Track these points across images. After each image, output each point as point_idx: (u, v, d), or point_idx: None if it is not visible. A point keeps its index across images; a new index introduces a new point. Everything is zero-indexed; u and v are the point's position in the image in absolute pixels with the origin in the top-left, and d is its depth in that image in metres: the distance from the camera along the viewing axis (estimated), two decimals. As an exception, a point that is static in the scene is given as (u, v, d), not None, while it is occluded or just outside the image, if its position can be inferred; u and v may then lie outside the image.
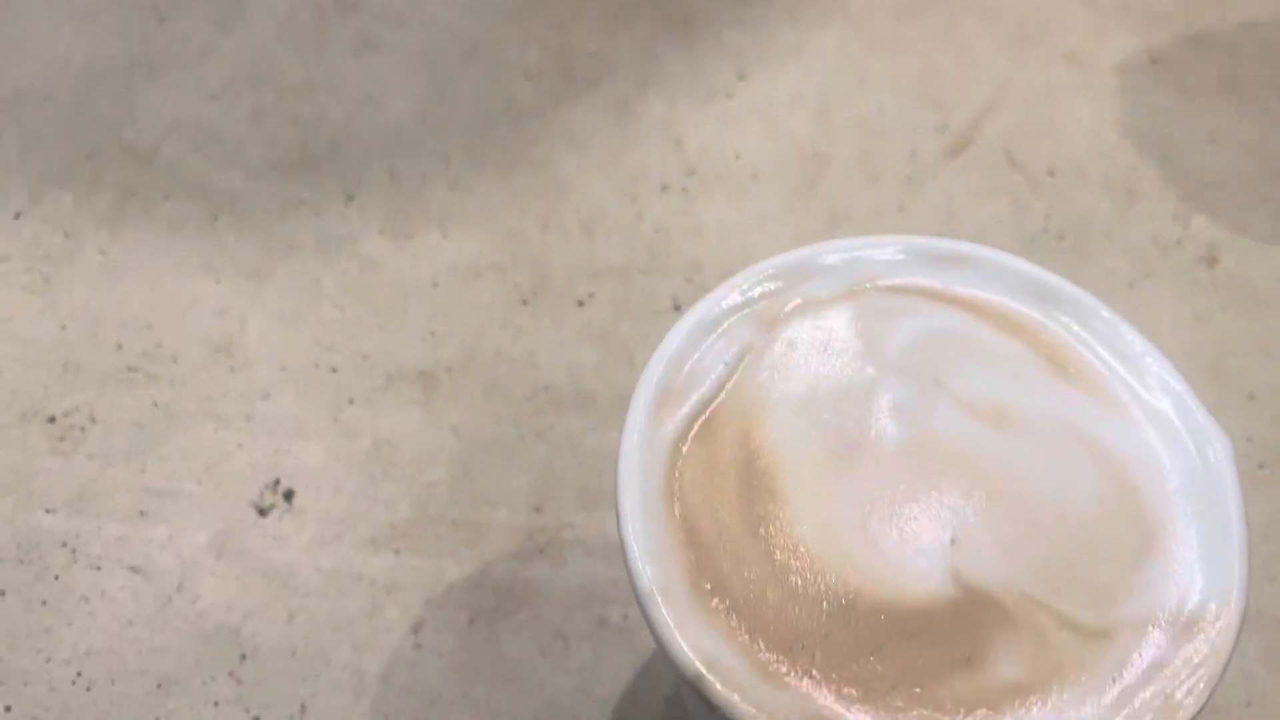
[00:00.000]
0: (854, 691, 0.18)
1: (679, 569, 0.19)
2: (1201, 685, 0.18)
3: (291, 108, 0.41)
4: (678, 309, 0.36)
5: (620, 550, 0.19)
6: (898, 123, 0.40)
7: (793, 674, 0.18)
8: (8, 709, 0.30)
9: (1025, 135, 0.40)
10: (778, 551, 0.19)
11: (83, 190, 0.39)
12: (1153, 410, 0.20)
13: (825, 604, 0.18)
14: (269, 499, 0.33)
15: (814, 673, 0.18)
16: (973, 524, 0.19)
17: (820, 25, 0.43)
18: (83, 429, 0.34)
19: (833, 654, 0.18)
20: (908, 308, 0.21)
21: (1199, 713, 0.17)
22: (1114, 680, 0.18)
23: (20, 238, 0.38)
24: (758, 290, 0.21)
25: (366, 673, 0.30)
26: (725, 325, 0.21)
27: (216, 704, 0.30)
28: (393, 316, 0.36)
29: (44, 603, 0.31)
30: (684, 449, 0.20)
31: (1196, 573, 0.19)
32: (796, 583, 0.18)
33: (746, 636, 0.18)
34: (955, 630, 0.18)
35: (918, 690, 0.18)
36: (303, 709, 0.30)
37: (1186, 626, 0.18)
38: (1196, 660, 0.18)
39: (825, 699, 0.17)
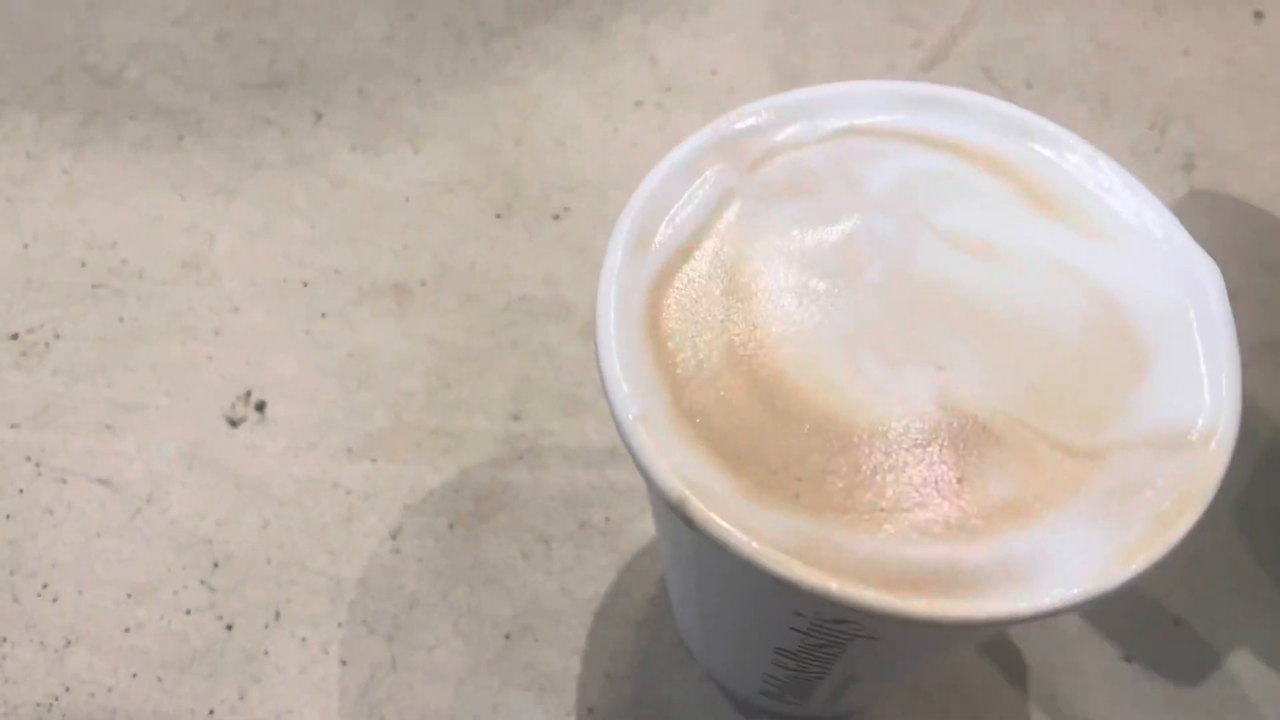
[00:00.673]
0: (841, 513, 0.17)
1: (660, 398, 0.18)
2: (1193, 500, 0.17)
3: (258, 29, 0.40)
4: (655, 220, 0.35)
5: (601, 383, 0.18)
6: (873, 38, 0.40)
7: (777, 496, 0.17)
8: (-28, 623, 0.29)
9: (1000, 49, 0.40)
10: (759, 380, 0.18)
11: (45, 112, 0.38)
12: (1138, 238, 0.20)
13: (808, 429, 0.18)
14: (241, 410, 0.32)
15: (798, 495, 0.17)
16: (959, 352, 0.18)
17: (794, -55, 0.43)
18: (46, 345, 0.33)
19: (817, 477, 0.17)
20: (889, 148, 0.21)
21: (1192, 528, 0.17)
22: (1105, 497, 0.17)
23: (-20, 159, 0.37)
24: (736, 132, 0.21)
25: (344, 578, 0.29)
26: (704, 168, 0.21)
27: (188, 612, 0.29)
28: (364, 231, 0.35)
29: (7, 517, 0.30)
30: (663, 285, 0.19)
31: (1187, 392, 0.18)
32: (779, 409, 0.18)
33: (729, 461, 0.17)
34: (943, 452, 0.17)
35: (907, 511, 0.17)
36: (277, 615, 0.29)
37: (1178, 444, 0.18)
38: (1188, 475, 0.17)
39: (810, 520, 0.17)
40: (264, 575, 0.29)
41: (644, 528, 0.30)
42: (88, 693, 0.28)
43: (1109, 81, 0.39)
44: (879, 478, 0.17)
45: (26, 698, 0.28)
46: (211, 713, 0.28)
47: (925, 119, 0.21)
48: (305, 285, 0.34)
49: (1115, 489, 0.17)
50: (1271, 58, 0.40)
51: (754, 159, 0.21)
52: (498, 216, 0.36)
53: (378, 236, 0.35)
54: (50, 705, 0.28)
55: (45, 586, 0.29)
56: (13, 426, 0.32)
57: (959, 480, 0.17)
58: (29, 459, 0.31)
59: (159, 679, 0.28)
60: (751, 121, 0.21)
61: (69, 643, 0.28)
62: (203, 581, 0.29)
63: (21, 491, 0.31)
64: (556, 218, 0.36)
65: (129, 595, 0.29)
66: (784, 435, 0.18)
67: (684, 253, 0.20)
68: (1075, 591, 0.16)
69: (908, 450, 0.18)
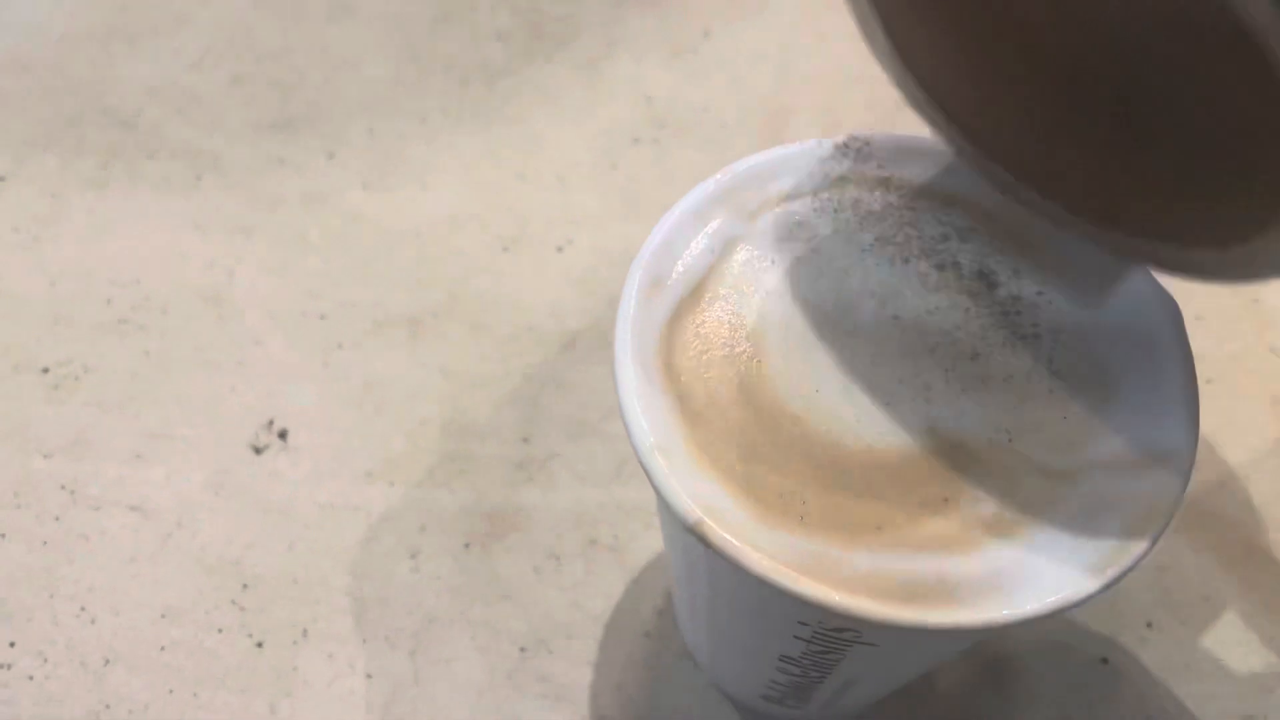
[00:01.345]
0: (841, 533, 0.19)
1: (675, 429, 0.20)
2: (1157, 515, 0.19)
3: (270, 72, 0.42)
4: (653, 252, 0.37)
5: (621, 416, 0.20)
6: (856, 76, 0.42)
7: (783, 518, 0.19)
8: (12, 644, 0.30)
9: (977, 84, 0.42)
10: (764, 412, 0.20)
11: (67, 154, 0.39)
12: (1103, 276, 0.22)
13: (810, 457, 0.20)
14: (264, 438, 0.34)
15: (803, 517, 0.19)
16: (945, 385, 0.20)
17: (779, -14, 0.45)
18: (76, 378, 0.35)
19: (820, 501, 0.19)
20: (878, 197, 0.23)
21: (1157, 540, 0.19)
22: (1078, 513, 0.19)
23: (6, 200, 0.38)
24: (738, 184, 0.23)
25: (366, 597, 0.31)
26: (711, 216, 0.23)
27: (220, 630, 0.31)
28: (377, 266, 0.37)
29: (44, 543, 0.32)
30: (675, 324, 0.21)
31: (1151, 418, 0.20)
32: (783, 438, 0.20)
33: (740, 487, 0.19)
34: (932, 476, 0.19)
35: (900, 529, 0.19)
36: (305, 633, 0.31)
37: (1143, 465, 0.20)
38: (1152, 493, 0.19)
39: (814, 539, 0.19)
40: (291, 595, 0.31)
41: (649, 544, 0.32)
42: (126, 709, 0.29)
43: (1079, 114, 0.41)
44: (874, 500, 0.19)
45: (69, 715, 0.29)
46: (245, 726, 0.29)
47: (912, 168, 0.23)
48: (322, 318, 0.36)
49: (1087, 507, 0.19)
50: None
51: (753, 209, 0.23)
52: (504, 250, 0.38)
53: (390, 270, 0.37)
54: (91, 722, 0.29)
55: (83, 609, 0.31)
56: (46, 456, 0.33)
57: (945, 500, 0.19)
58: (63, 487, 0.33)
59: (194, 695, 0.30)
60: (751, 174, 0.23)
61: (107, 662, 0.30)
62: (233, 602, 0.31)
63: (57, 519, 0.32)
64: (560, 250, 0.38)
65: (163, 616, 0.31)
66: (788, 462, 0.20)
67: (694, 295, 0.22)
68: (1050, 601, 0.18)
69: (900, 474, 0.19)
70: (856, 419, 0.20)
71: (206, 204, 0.38)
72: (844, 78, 0.42)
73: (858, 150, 0.24)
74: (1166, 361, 0.21)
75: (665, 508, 0.20)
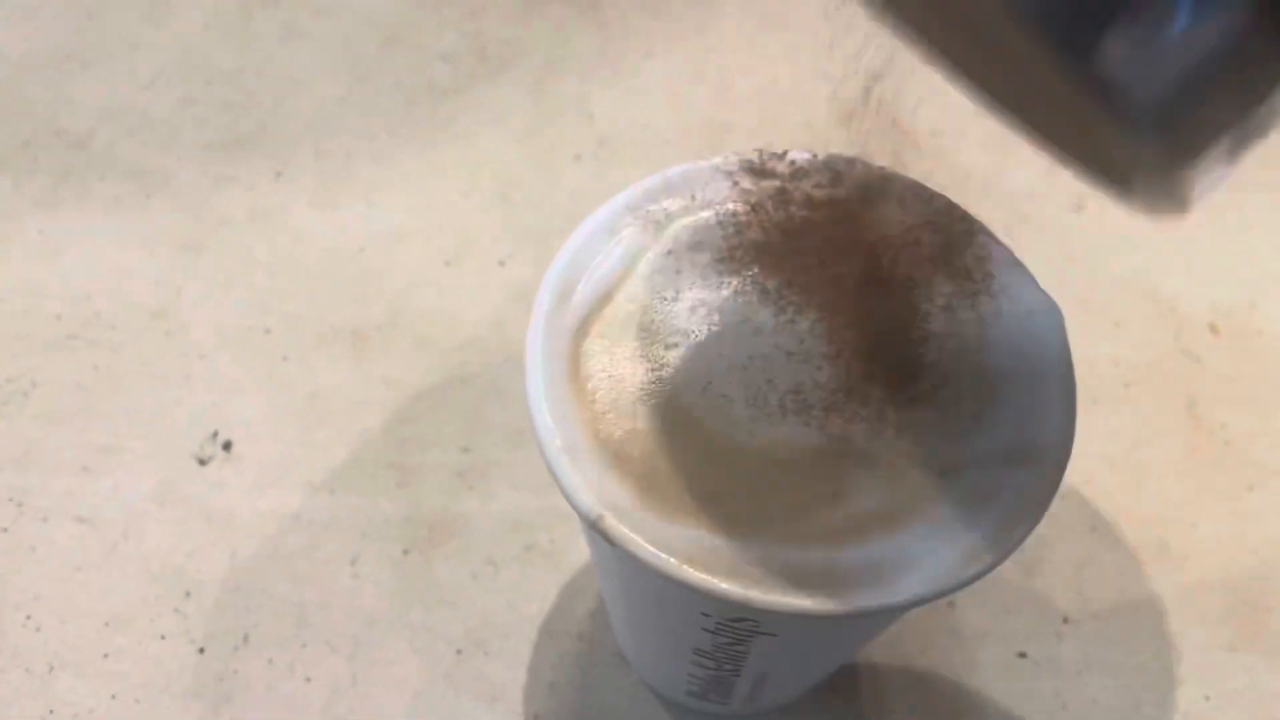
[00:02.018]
0: (736, 526, 0.20)
1: (581, 431, 0.21)
2: (1033, 508, 0.20)
3: (220, 94, 0.43)
4: (593, 266, 0.38)
5: (529, 420, 0.21)
6: (792, 93, 0.44)
7: (681, 513, 0.20)
8: (-41, 654, 0.31)
9: (910, 101, 0.43)
10: (665, 413, 0.21)
11: (19, 175, 0.40)
12: (992, 280, 0.23)
13: (707, 455, 0.21)
14: (209, 450, 0.34)
15: (699, 513, 0.20)
16: (836, 385, 0.21)
17: (720, 8, 0.46)
18: (25, 393, 0.35)
19: (718, 496, 0.20)
20: (781, 209, 0.24)
21: (1029, 531, 0.20)
22: (959, 506, 0.20)
23: (-42, 220, 0.39)
24: (645, 198, 0.24)
25: (307, 602, 0.32)
26: (620, 229, 0.24)
27: (163, 637, 0.31)
28: (323, 281, 0.38)
29: (-8, 554, 0.33)
30: (583, 331, 0.22)
31: (1032, 416, 0.21)
32: (681, 439, 0.21)
33: (641, 484, 0.20)
34: (822, 472, 0.21)
35: (794, 522, 0.20)
36: (246, 639, 0.31)
37: (1022, 460, 0.21)
38: (1028, 487, 0.21)
39: (709, 533, 0.20)
40: (233, 602, 0.32)
41: (584, 549, 0.33)
42: (71, 714, 0.30)
43: (1008, 130, 0.43)
44: (767, 495, 0.20)
45: (13, 720, 0.30)
46: (186, 729, 0.30)
47: (811, 182, 0.24)
48: (268, 332, 0.37)
49: (968, 499, 0.20)
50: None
51: (661, 221, 0.24)
52: (447, 264, 0.39)
53: (335, 285, 0.38)
54: (35, 727, 0.30)
55: (29, 617, 0.32)
56: (-6, 470, 0.34)
57: (834, 495, 0.20)
58: (11, 499, 0.33)
59: (137, 700, 0.30)
60: (661, 188, 0.24)
61: (52, 669, 0.31)
62: (176, 609, 0.32)
63: (5, 530, 0.33)
64: (502, 264, 0.39)
65: (107, 624, 0.32)
66: (687, 461, 0.21)
67: (601, 304, 0.23)
68: (928, 588, 0.19)
69: (792, 471, 0.21)
70: (751, 419, 0.21)
71: (156, 222, 0.39)
72: (781, 97, 0.43)
73: (764, 165, 0.25)
74: (1048, 364, 0.22)
75: (571, 504, 0.21)
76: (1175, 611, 0.33)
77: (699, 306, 0.22)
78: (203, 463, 0.34)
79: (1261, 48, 0.13)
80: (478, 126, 0.42)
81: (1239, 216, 0.41)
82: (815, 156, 0.25)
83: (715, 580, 0.19)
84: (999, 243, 0.24)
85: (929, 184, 0.43)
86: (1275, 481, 0.35)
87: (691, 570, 0.19)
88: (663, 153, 0.42)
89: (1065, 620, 0.32)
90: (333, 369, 0.36)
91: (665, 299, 0.23)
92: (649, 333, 0.22)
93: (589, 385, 0.22)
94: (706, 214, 0.24)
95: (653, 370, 0.22)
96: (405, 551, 0.33)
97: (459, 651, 0.31)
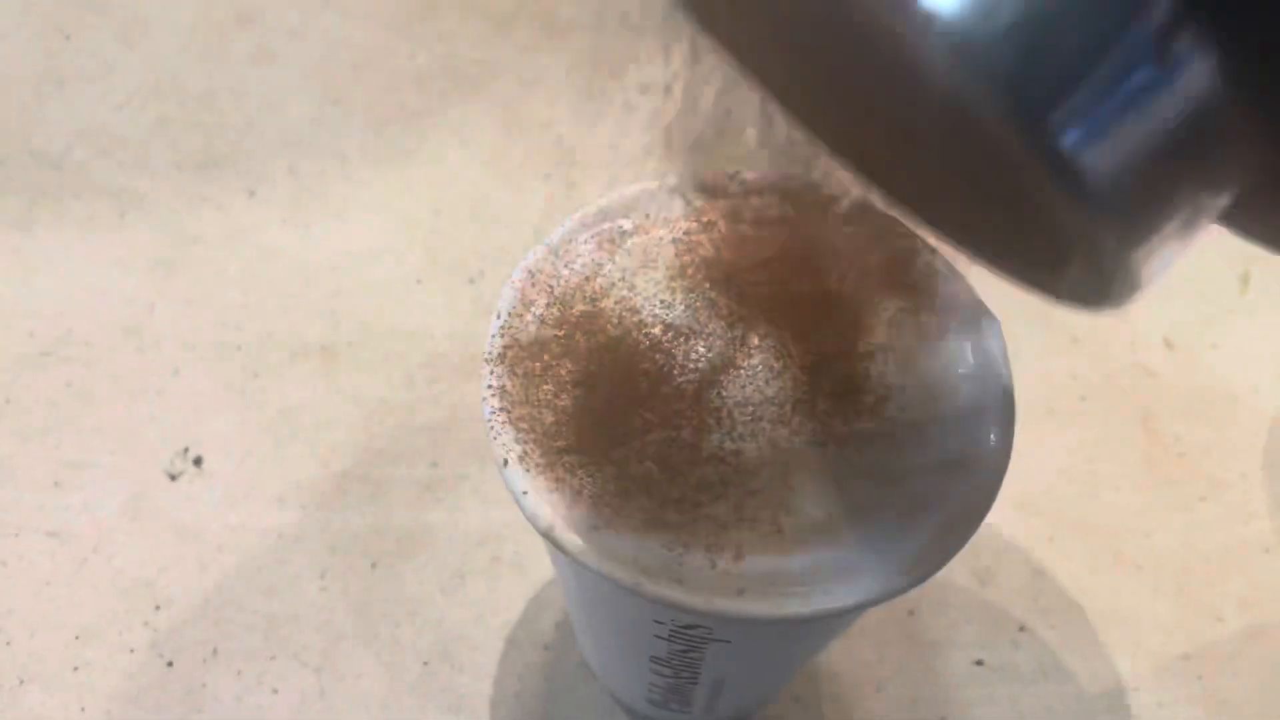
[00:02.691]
0: (685, 535, 0.21)
1: (535, 442, 0.22)
2: (971, 517, 0.21)
3: (194, 115, 0.43)
4: (561, 283, 0.39)
5: (486, 431, 0.22)
6: (755, 113, 0.44)
7: (632, 523, 0.21)
8: (-71, 668, 0.31)
9: (872, 122, 0.44)
10: (618, 427, 0.22)
11: (-7, 194, 0.41)
12: (936, 298, 0.24)
13: (662, 466, 0.21)
14: (179, 465, 0.35)
15: (650, 523, 0.21)
16: (783, 399, 0.22)
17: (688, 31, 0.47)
18: (-2, 410, 0.36)
19: (667, 505, 0.21)
20: (732, 227, 0.25)
21: (966, 539, 0.21)
22: (900, 515, 0.21)
23: (-67, 239, 0.40)
24: (606, 216, 0.25)
25: (275, 615, 0.32)
26: (575, 248, 0.24)
27: (132, 651, 0.32)
28: (294, 298, 0.39)
29: (-37, 569, 0.33)
30: (539, 347, 0.23)
31: (971, 429, 0.22)
32: (635, 450, 0.21)
33: (592, 494, 0.21)
34: (768, 483, 0.21)
35: (735, 531, 0.21)
36: (214, 651, 0.32)
37: (961, 470, 0.22)
38: (967, 496, 0.21)
39: (662, 542, 0.20)
40: (202, 615, 0.32)
41: (550, 561, 0.34)
42: (39, 728, 0.30)
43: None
44: (714, 504, 0.21)
45: (-18, 734, 0.30)
46: (154, 742, 0.30)
47: (764, 200, 0.25)
48: (239, 349, 0.37)
49: (907, 509, 0.21)
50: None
51: (615, 238, 0.25)
52: (418, 282, 0.39)
53: (306, 302, 0.38)
54: (4, 741, 0.30)
55: (-2, 632, 0.32)
56: (-34, 486, 0.34)
57: (779, 505, 0.21)
58: (-18, 515, 0.34)
59: (106, 713, 0.31)
60: (611, 207, 0.25)
61: (22, 682, 0.31)
62: (145, 623, 0.32)
63: (-25, 546, 0.33)
64: (472, 281, 0.39)
65: (77, 637, 0.32)
66: (637, 471, 0.21)
67: (557, 319, 0.23)
68: (868, 594, 0.20)
69: (738, 481, 0.21)
70: (698, 431, 0.22)
71: (130, 241, 0.40)
72: (745, 114, 0.44)
73: (716, 184, 0.26)
74: (989, 375, 0.23)
75: (524, 514, 0.21)
76: (1130, 620, 0.33)
77: (652, 322, 0.23)
78: (173, 478, 0.35)
79: (1232, 121, 0.12)
80: (448, 147, 0.43)
81: (1193, 234, 0.42)
82: (766, 176, 0.26)
83: (662, 588, 0.20)
84: (943, 258, 0.25)
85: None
86: (1227, 493, 0.36)
87: (641, 578, 0.20)
88: (630, 172, 0.43)
89: (1021, 629, 0.33)
90: (303, 385, 0.37)
91: (619, 315, 0.23)
92: (602, 347, 0.23)
93: (542, 398, 0.22)
94: (660, 232, 0.25)
95: (605, 383, 0.22)
96: (373, 565, 0.33)
97: (425, 663, 0.32)
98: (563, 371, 0.23)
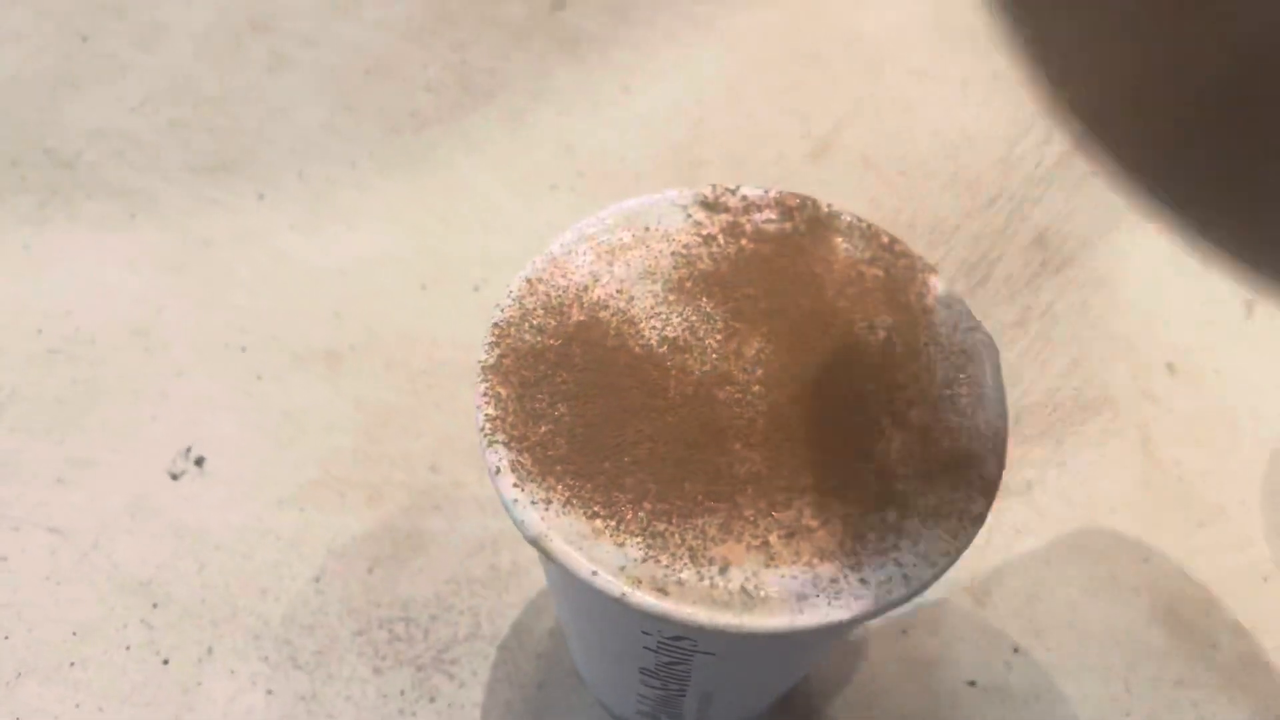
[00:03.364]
0: (672, 546, 0.21)
1: (527, 451, 0.22)
2: (966, 534, 0.21)
3: (207, 118, 0.44)
4: (565, 293, 0.39)
5: (478, 440, 0.22)
6: (766, 130, 0.45)
7: (620, 533, 0.21)
8: (-72, 660, 0.32)
9: (879, 140, 0.45)
10: (609, 438, 0.22)
11: (6, 192, 0.41)
12: (932, 318, 0.24)
13: (654, 477, 0.21)
14: (181, 465, 0.35)
15: (637, 533, 0.21)
16: (776, 414, 0.22)
17: (699, 46, 0.47)
18: (2, 405, 0.36)
19: (654, 516, 0.21)
20: (731, 242, 0.25)
21: (954, 560, 0.21)
22: (894, 533, 0.21)
23: (-54, 235, 0.40)
24: (611, 226, 0.25)
25: (271, 617, 0.33)
26: (576, 259, 0.25)
27: (128, 648, 0.32)
28: (301, 302, 0.39)
29: (-36, 563, 0.33)
30: (535, 356, 0.23)
31: (966, 447, 0.22)
32: (626, 461, 0.22)
33: (583, 503, 0.21)
34: (758, 497, 0.21)
35: (725, 545, 0.21)
36: (210, 651, 0.32)
37: (956, 489, 0.22)
38: (964, 514, 0.21)
39: (648, 552, 0.21)
40: (199, 614, 0.33)
41: (543, 571, 0.34)
42: (34, 722, 0.31)
43: (976, 169, 0.44)
44: (702, 517, 0.21)
45: (-23, 727, 0.30)
46: (147, 739, 0.30)
47: (761, 218, 0.25)
48: (244, 350, 0.38)
49: (898, 526, 0.21)
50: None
51: (614, 249, 0.25)
52: (423, 288, 0.39)
53: (313, 306, 0.39)
54: (-1, 734, 0.30)
55: (-3, 626, 0.32)
56: (-30, 480, 0.35)
57: (765, 519, 0.21)
58: (-15, 510, 0.34)
59: (100, 709, 0.31)
60: (613, 219, 0.25)
61: (19, 675, 0.31)
62: (142, 620, 0.32)
63: (-23, 539, 0.34)
64: (477, 289, 0.40)
65: (74, 633, 0.32)
66: (626, 481, 0.21)
67: (555, 329, 0.23)
68: (853, 612, 0.20)
69: (727, 495, 0.21)
70: (691, 444, 0.22)
71: (140, 242, 0.40)
72: (755, 133, 0.45)
73: (718, 199, 0.26)
74: (985, 399, 0.23)
75: (514, 523, 0.21)
76: (1124, 644, 0.33)
77: (649, 335, 0.23)
78: (175, 477, 0.35)
79: None
80: (458, 155, 0.43)
81: (1197, 258, 0.42)
82: (767, 193, 0.26)
83: (648, 598, 0.20)
84: (940, 279, 0.25)
85: (895, 223, 0.44)
86: (1225, 519, 0.36)
87: (628, 589, 0.20)
88: (638, 185, 0.43)
89: (1015, 650, 0.33)
90: (307, 388, 0.37)
91: (616, 327, 0.23)
92: (599, 359, 0.23)
93: (537, 407, 0.22)
94: (660, 245, 0.25)
95: (599, 394, 0.23)
96: (370, 569, 0.34)
97: (419, 669, 0.32)
98: (558, 381, 0.23)
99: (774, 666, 0.26)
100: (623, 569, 0.20)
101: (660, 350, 0.23)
